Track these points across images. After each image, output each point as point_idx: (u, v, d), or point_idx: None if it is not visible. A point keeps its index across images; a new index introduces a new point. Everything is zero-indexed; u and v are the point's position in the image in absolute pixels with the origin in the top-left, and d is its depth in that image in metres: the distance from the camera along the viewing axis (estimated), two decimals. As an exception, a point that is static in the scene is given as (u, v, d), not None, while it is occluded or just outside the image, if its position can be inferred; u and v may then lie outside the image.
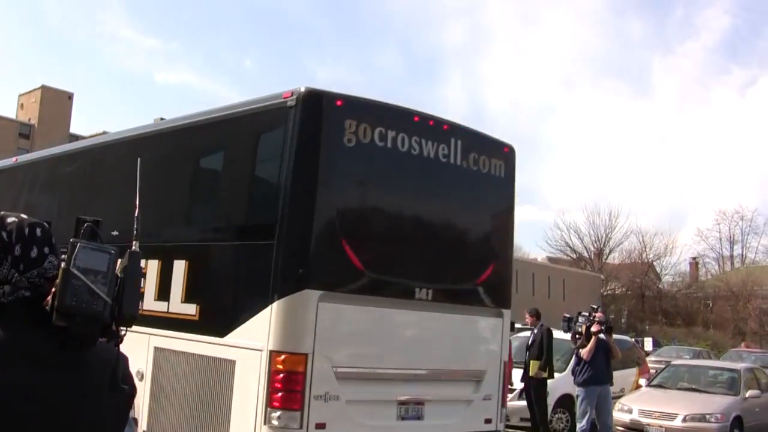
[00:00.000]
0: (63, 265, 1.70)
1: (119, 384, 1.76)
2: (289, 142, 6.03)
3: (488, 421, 6.95)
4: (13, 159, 11.40)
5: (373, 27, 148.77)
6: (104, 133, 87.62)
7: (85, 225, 1.79)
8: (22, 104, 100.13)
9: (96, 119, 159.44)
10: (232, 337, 6.10)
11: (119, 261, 1.75)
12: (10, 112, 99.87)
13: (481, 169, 7.05)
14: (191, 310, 6.57)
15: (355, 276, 6.13)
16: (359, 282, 6.16)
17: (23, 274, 1.77)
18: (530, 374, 11.77)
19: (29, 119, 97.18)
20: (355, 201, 6.53)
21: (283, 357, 5.73)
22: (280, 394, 5.72)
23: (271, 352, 5.74)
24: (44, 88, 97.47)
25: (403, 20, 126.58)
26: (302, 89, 6.10)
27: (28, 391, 1.64)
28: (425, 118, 6.75)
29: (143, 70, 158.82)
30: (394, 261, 6.53)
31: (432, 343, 6.67)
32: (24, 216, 1.86)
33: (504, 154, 7.36)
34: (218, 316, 6.38)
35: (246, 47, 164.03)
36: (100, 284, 1.68)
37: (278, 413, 5.69)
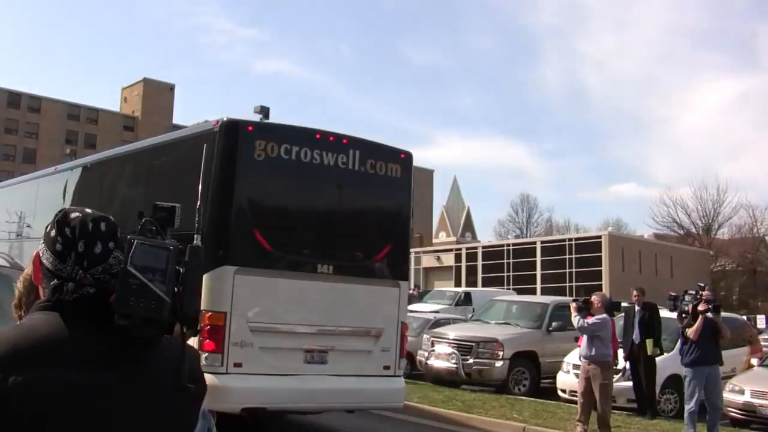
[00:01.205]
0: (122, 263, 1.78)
1: (185, 383, 1.82)
2: (215, 158, 9.32)
3: (387, 367, 10.02)
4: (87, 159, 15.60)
5: (467, 9, 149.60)
6: (206, 122, 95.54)
7: (144, 220, 1.86)
8: (125, 97, 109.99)
9: (197, 110, 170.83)
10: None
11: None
12: (114, 106, 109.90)
13: (377, 172, 10.21)
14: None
15: (266, 256, 9.38)
16: (269, 259, 9.41)
17: (87, 270, 1.85)
18: (648, 353, 13.51)
19: (132, 112, 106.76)
20: (265, 199, 9.81)
21: (209, 314, 9.04)
22: (206, 341, 9.07)
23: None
24: (146, 81, 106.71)
25: (499, 1, 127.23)
26: (225, 119, 9.50)
27: (87, 392, 1.72)
28: (326, 135, 9.96)
29: (241, 59, 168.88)
30: (299, 244, 9.77)
31: (335, 306, 9.77)
32: (89, 210, 1.94)
33: (401, 159, 10.54)
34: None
35: (342, 33, 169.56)
36: (158, 282, 1.75)
37: (205, 355, 9.02)
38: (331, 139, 10.02)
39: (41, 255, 1.93)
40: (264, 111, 34.61)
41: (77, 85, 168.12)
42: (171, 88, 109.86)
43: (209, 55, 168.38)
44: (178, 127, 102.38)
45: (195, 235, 8.60)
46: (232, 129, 9.42)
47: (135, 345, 1.78)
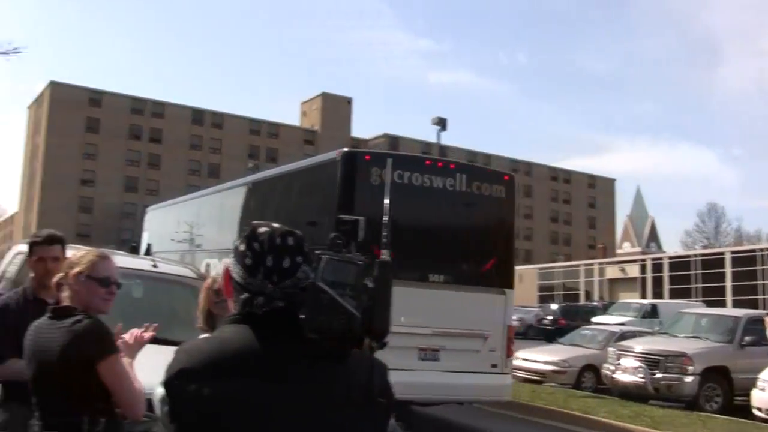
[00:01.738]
0: (311, 278, 1.93)
1: (374, 397, 1.94)
2: (337, 183, 11.67)
3: (494, 365, 12.00)
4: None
5: (641, 13, 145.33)
6: (383, 135, 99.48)
7: (332, 235, 2.00)
8: (304, 112, 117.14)
9: (374, 122, 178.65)
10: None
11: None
12: (294, 120, 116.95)
13: (483, 193, 12.20)
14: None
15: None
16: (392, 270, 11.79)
17: (277, 284, 2.00)
18: None
19: (312, 125, 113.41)
20: (381, 219, 12.16)
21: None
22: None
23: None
24: (324, 95, 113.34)
25: (674, 3, 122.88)
26: (345, 150, 11.98)
27: (273, 405, 1.88)
28: (435, 161, 12.41)
29: (416, 71, 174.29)
30: (413, 257, 11.87)
31: (446, 311, 11.92)
32: (276, 225, 2.10)
33: (504, 181, 12.65)
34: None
35: (517, 42, 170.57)
36: (348, 297, 1.89)
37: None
38: (440, 164, 12.37)
39: (231, 269, 2.07)
40: (441, 122, 37.31)
41: (258, 101, 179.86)
42: (348, 101, 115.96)
43: (385, 67, 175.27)
44: (356, 140, 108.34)
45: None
46: (350, 158, 11.83)
47: (324, 359, 1.90)
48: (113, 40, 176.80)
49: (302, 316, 1.90)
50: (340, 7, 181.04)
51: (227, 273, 2.10)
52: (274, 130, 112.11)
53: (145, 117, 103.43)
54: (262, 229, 2.09)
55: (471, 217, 12.47)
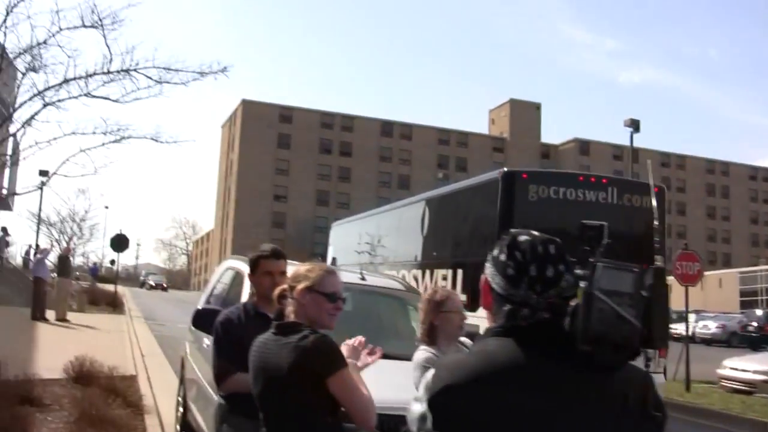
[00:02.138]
0: (584, 287, 1.93)
1: (650, 411, 1.93)
2: (498, 200, 13.51)
3: (648, 363, 14.44)
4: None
5: None
6: (574, 139, 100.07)
7: (604, 242, 2.08)
8: (492, 119, 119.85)
9: (564, 126, 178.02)
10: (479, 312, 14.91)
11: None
12: (482, 128, 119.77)
13: (633, 204, 13.75)
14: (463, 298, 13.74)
15: None
16: None
17: (541, 294, 2.03)
18: None
19: (501, 133, 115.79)
20: (541, 230, 14.93)
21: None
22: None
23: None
24: (512, 102, 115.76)
25: None
26: (504, 169, 14.19)
27: (544, 419, 1.88)
28: (588, 177, 14.22)
29: (605, 72, 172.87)
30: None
31: None
32: (536, 233, 2.16)
33: (654, 192, 14.97)
34: (477, 303, 15.00)
35: (709, 37, 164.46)
36: (627, 307, 1.88)
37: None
38: (593, 180, 14.22)
39: (490, 280, 2.12)
40: (635, 124, 39.26)
41: (446, 110, 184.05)
42: (537, 106, 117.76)
43: (572, 70, 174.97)
44: (545, 146, 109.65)
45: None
46: (509, 177, 13.87)
47: (596, 371, 1.91)
48: (301, 58, 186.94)
49: (571, 327, 1.94)
50: (523, 12, 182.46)
51: (486, 284, 2.13)
52: (463, 139, 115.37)
53: (334, 131, 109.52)
54: (523, 238, 2.14)
55: (622, 227, 13.49)
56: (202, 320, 6.83)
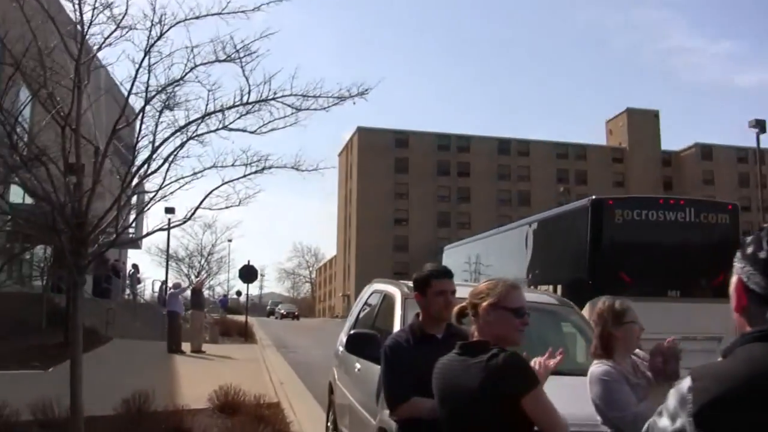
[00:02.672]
0: None
1: None
2: (588, 224, 15.19)
3: None
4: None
5: None
6: (694, 144, 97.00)
7: None
8: (610, 130, 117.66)
9: (684, 132, 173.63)
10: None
11: None
12: (600, 139, 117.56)
13: (710, 221, 15.52)
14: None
15: (628, 286, 14.21)
16: (631, 289, 14.23)
17: None
18: None
19: (619, 143, 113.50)
20: (627, 250, 14.81)
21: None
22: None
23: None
24: (629, 111, 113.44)
25: None
26: (593, 197, 15.62)
27: None
28: (667, 199, 15.90)
29: (719, 75, 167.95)
30: (653, 277, 14.58)
31: (680, 319, 14.09)
32: None
33: (728, 210, 15.91)
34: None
35: None
36: None
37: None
38: (671, 202, 16.12)
39: (746, 280, 1.95)
40: (760, 124, 38.06)
41: (562, 124, 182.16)
42: (655, 114, 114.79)
43: (687, 75, 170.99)
44: (666, 153, 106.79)
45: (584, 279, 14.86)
46: (597, 204, 15.70)
47: None
48: (413, 80, 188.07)
49: None
50: (632, 22, 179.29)
51: (739, 285, 1.98)
52: (581, 151, 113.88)
53: (451, 152, 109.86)
54: None
55: (700, 242, 15.56)
56: (357, 344, 6.89)
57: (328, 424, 9.75)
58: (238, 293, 76.09)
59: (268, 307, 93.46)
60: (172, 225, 7.88)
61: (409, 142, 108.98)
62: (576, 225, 16.17)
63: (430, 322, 4.82)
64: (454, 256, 27.21)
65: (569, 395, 4.70)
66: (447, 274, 4.96)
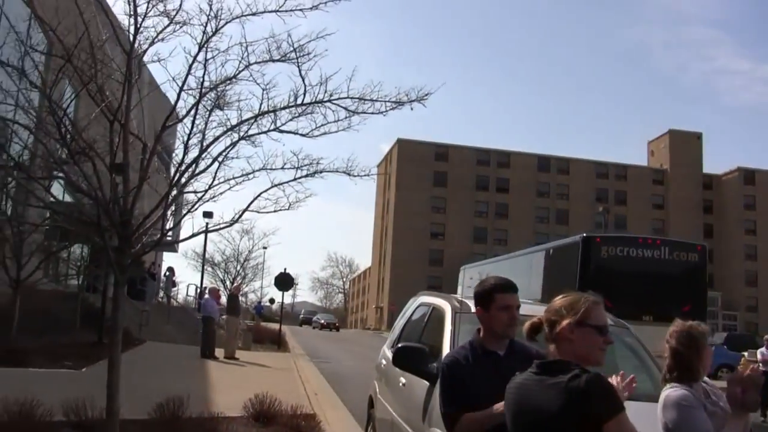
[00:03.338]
0: None
1: None
2: (579, 257, 19.19)
3: None
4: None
5: None
6: (737, 168, 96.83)
7: None
8: (652, 151, 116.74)
9: (726, 156, 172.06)
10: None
11: None
12: (641, 160, 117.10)
13: (681, 259, 18.46)
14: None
15: (609, 310, 15.42)
16: (611, 312, 14.96)
17: None
18: None
19: (661, 165, 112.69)
20: (610, 279, 16.43)
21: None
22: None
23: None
24: (672, 132, 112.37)
25: None
26: (584, 235, 20.32)
27: None
28: (645, 239, 19.47)
29: (764, 99, 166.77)
30: (631, 303, 16.65)
31: (652, 340, 14.47)
32: None
33: (697, 250, 18.90)
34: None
35: None
36: None
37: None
38: (649, 241, 19.69)
39: None
40: None
41: (603, 143, 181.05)
42: (698, 136, 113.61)
43: (732, 98, 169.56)
44: (707, 177, 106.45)
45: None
46: (587, 241, 18.87)
47: None
48: (453, 94, 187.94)
49: None
50: (678, 41, 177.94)
51: None
52: (622, 171, 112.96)
53: (490, 167, 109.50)
54: None
55: (672, 276, 18.25)
56: (404, 358, 6.70)
57: (368, 437, 9.52)
58: (272, 301, 76.23)
59: (301, 316, 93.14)
60: (216, 227, 7.67)
61: (449, 156, 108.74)
62: (569, 256, 19.06)
63: (492, 338, 4.64)
64: (471, 275, 30.00)
65: (641, 421, 4.51)
66: (512, 287, 4.73)
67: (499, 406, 4.11)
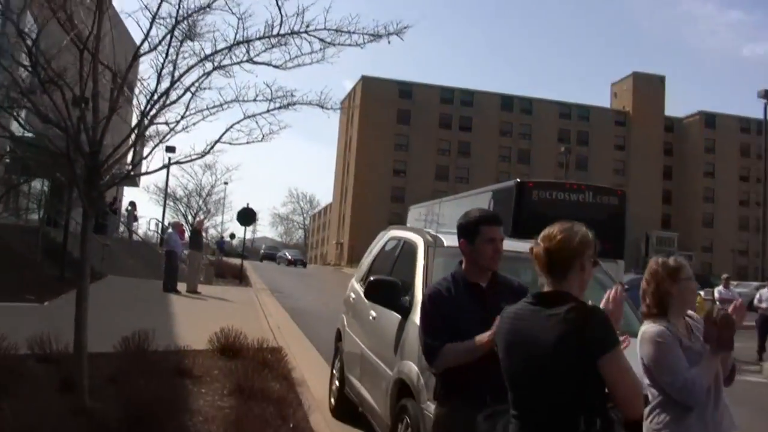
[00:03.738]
0: None
1: None
2: (513, 200, 19.46)
3: None
4: None
5: None
6: (698, 112, 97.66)
7: None
8: (615, 93, 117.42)
9: (690, 99, 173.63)
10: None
11: None
12: (604, 102, 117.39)
13: (603, 202, 19.93)
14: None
15: None
16: None
17: None
18: None
19: (623, 107, 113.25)
20: (540, 220, 17.35)
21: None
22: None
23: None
24: (635, 75, 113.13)
25: None
26: (517, 180, 21.12)
27: None
28: (572, 184, 20.81)
29: (728, 45, 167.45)
30: None
31: None
32: None
33: (617, 195, 20.56)
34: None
35: None
36: None
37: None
38: (575, 186, 20.78)
39: None
40: None
41: (567, 85, 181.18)
42: (661, 79, 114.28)
43: (696, 42, 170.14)
44: (669, 120, 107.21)
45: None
46: (521, 185, 20.01)
47: None
48: (418, 32, 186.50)
49: None
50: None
51: None
52: (585, 113, 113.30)
53: (454, 106, 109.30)
54: None
55: (596, 217, 18.51)
56: (377, 291, 6.71)
57: (334, 371, 9.60)
58: (232, 236, 76.02)
59: (262, 251, 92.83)
60: (189, 159, 7.59)
61: (413, 94, 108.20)
62: (506, 199, 20.29)
63: (476, 271, 4.60)
64: (415, 215, 30.62)
65: None
66: (498, 220, 4.70)
67: (482, 338, 4.19)
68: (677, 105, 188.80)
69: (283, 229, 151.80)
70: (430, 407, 5.21)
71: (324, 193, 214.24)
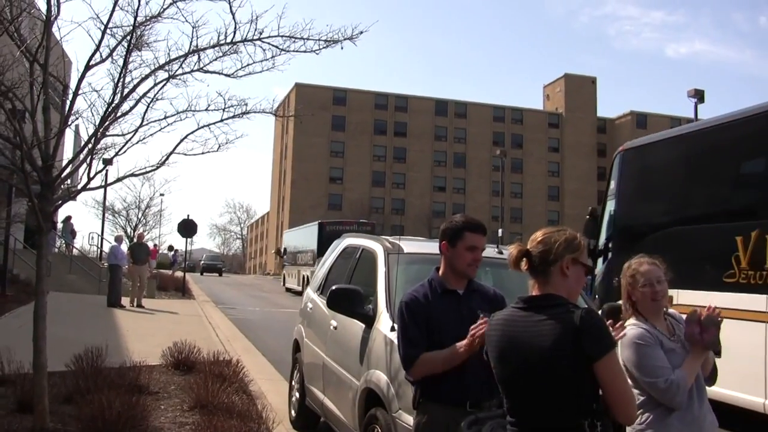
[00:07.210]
0: None
1: None
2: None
3: None
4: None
5: None
6: (630, 113, 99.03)
7: None
8: (548, 95, 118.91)
9: (619, 100, 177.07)
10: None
11: None
12: (537, 104, 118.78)
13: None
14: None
15: None
16: None
17: None
18: None
19: (556, 108, 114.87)
20: None
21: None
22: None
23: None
24: (567, 77, 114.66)
25: None
26: (319, 221, 37.32)
27: None
28: (360, 223, 24.90)
29: (652, 45, 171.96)
30: None
31: None
32: None
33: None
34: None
35: (759, 3, 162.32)
36: None
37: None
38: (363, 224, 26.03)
39: None
40: (699, 94, 38.77)
41: (500, 88, 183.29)
42: (593, 81, 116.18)
43: (619, 44, 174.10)
44: (602, 120, 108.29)
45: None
46: (321, 225, 33.83)
47: None
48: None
49: None
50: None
51: None
52: (518, 115, 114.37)
53: (388, 112, 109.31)
54: None
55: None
56: (340, 300, 6.60)
57: (293, 383, 9.46)
58: (170, 248, 75.07)
59: (203, 263, 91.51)
60: (143, 171, 7.39)
61: (347, 100, 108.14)
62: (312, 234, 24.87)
63: (453, 276, 4.55)
64: (286, 239, 36.85)
65: None
66: (483, 229, 4.62)
67: (461, 345, 4.15)
68: (609, 106, 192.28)
69: (221, 240, 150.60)
70: (402, 416, 5.19)
71: (260, 202, 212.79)
